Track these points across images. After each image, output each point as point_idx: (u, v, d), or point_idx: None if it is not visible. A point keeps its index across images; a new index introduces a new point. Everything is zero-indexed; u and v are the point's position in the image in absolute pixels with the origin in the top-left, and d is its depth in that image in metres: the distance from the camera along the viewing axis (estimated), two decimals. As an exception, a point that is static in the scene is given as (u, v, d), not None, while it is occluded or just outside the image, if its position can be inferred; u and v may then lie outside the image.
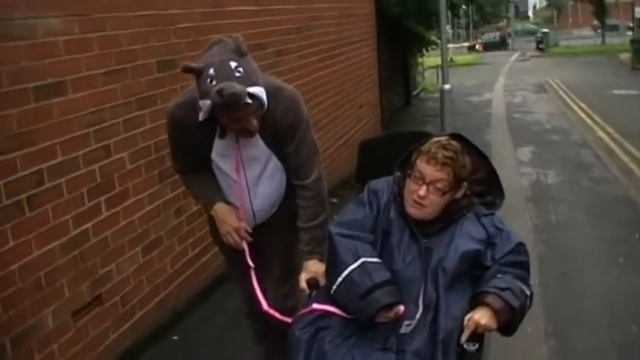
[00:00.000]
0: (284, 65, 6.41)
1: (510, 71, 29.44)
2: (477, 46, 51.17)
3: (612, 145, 10.91)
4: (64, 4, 3.54)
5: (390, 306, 2.43)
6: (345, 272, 2.49)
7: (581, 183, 8.32)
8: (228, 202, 3.01)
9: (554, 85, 21.74)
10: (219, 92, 2.42)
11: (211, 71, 2.50)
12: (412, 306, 2.46)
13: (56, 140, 3.50)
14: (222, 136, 2.76)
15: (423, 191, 2.50)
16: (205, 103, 2.55)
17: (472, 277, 2.54)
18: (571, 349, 4.08)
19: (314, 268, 2.84)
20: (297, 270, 2.96)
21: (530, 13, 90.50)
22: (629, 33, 42.02)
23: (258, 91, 2.58)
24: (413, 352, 2.36)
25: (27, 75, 3.28)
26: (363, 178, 2.97)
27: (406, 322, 2.43)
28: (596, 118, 13.85)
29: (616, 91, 18.51)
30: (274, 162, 2.92)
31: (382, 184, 2.74)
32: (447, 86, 9.68)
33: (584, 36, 53.51)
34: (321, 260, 2.81)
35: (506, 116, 15.14)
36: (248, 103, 2.53)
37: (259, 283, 2.99)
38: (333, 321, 2.54)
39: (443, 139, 2.59)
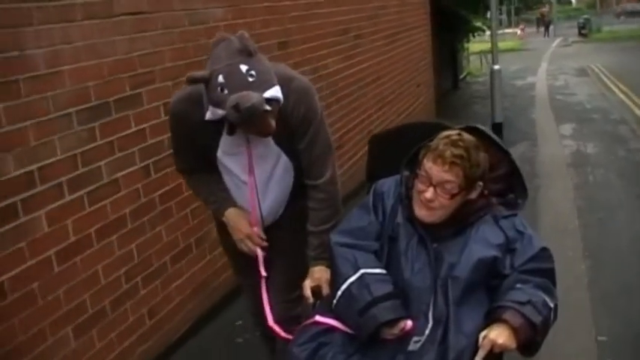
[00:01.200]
0: (361, 47, 7.56)
1: (552, 57, 29.91)
2: (518, 32, 51.44)
3: (647, 121, 11.85)
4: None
5: (394, 322, 2.24)
6: (344, 285, 2.34)
7: (617, 152, 9.33)
8: (237, 206, 2.84)
9: (596, 70, 22.33)
10: (236, 108, 2.25)
11: (220, 79, 2.30)
12: (422, 320, 2.25)
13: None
14: (230, 133, 2.55)
15: (430, 193, 2.28)
16: (217, 112, 2.40)
17: (489, 287, 2.32)
18: (603, 266, 5.22)
19: (319, 275, 2.67)
20: (305, 276, 2.77)
21: None
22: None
23: (275, 92, 2.39)
24: None
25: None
26: (375, 175, 2.75)
27: (415, 339, 2.23)
28: (635, 99, 14.59)
29: (657, 75, 19.24)
30: (284, 161, 2.72)
31: (389, 184, 2.54)
32: (496, 67, 10.65)
33: (629, 21, 53.33)
34: (328, 267, 2.62)
35: (548, 98, 15.95)
36: (267, 110, 2.34)
37: (268, 292, 2.83)
38: (336, 336, 2.36)
39: (454, 133, 2.33)
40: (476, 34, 19.01)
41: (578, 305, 4.41)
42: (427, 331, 2.22)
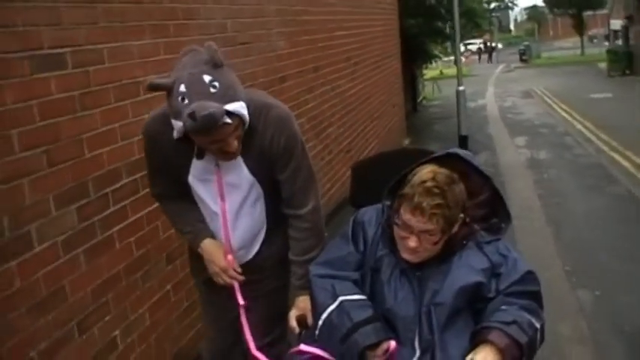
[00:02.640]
0: (357, 72, 9.22)
1: (498, 81, 32.07)
2: (462, 59, 53.51)
3: (589, 134, 13.68)
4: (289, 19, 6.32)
5: (376, 345, 2.20)
6: (324, 315, 2.31)
7: (565, 157, 11.23)
8: (213, 237, 2.71)
9: (539, 92, 24.46)
10: (192, 115, 2.14)
11: (182, 88, 2.22)
12: (409, 349, 2.23)
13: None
14: (199, 157, 2.44)
15: (414, 242, 2.22)
16: (177, 124, 2.29)
17: (474, 311, 2.30)
18: (563, 229, 7.01)
19: (304, 304, 2.59)
20: (284, 315, 2.71)
21: (511, 27, 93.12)
22: (606, 43, 44.72)
23: (239, 107, 2.29)
24: None
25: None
26: (358, 202, 2.73)
27: None
28: (576, 116, 16.64)
29: (594, 95, 21.24)
30: (256, 189, 2.61)
31: (370, 213, 2.49)
32: (461, 87, 12.46)
33: (565, 47, 56.47)
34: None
35: (500, 116, 17.97)
36: (227, 123, 2.24)
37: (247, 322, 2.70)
38: None
39: (428, 178, 2.20)
40: (432, 60, 20.88)
41: (550, 253, 6.13)
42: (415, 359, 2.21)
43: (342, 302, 2.30)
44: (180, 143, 2.39)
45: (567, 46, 57.35)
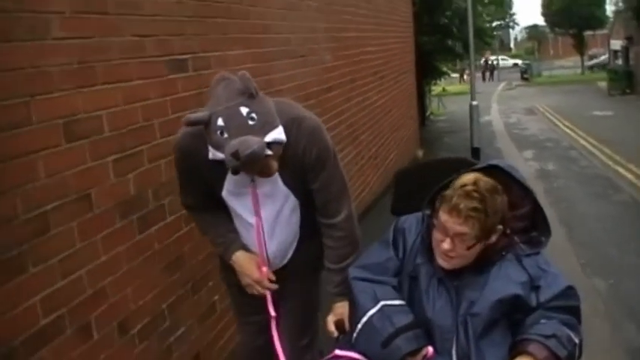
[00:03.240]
0: (382, 85, 9.93)
1: (500, 98, 32.57)
2: (464, 77, 54.23)
3: (592, 148, 14.38)
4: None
5: (415, 352, 2.25)
6: (365, 318, 2.32)
7: (571, 168, 11.95)
8: (245, 248, 2.75)
9: (542, 109, 25.09)
10: (235, 155, 2.18)
11: (220, 122, 2.25)
12: (446, 358, 2.25)
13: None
14: (235, 173, 2.36)
15: (447, 244, 2.24)
16: (217, 154, 2.32)
17: (513, 322, 2.30)
18: (574, 229, 7.70)
19: (341, 310, 2.63)
20: (315, 320, 2.80)
21: (512, 45, 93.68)
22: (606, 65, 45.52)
23: (277, 134, 2.33)
24: None
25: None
26: (400, 210, 2.74)
27: None
28: (579, 132, 17.34)
29: (595, 113, 21.95)
30: (292, 200, 2.64)
31: (411, 221, 2.52)
32: (474, 102, 13.21)
33: (565, 66, 57.33)
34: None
35: (506, 132, 18.65)
36: (268, 155, 2.29)
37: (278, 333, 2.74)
38: None
39: (469, 182, 2.24)
40: (442, 77, 21.66)
41: (565, 249, 6.81)
42: None
43: (383, 306, 2.32)
44: (214, 160, 2.40)
45: (568, 65, 58.14)
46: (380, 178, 9.19)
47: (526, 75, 49.25)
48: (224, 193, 2.60)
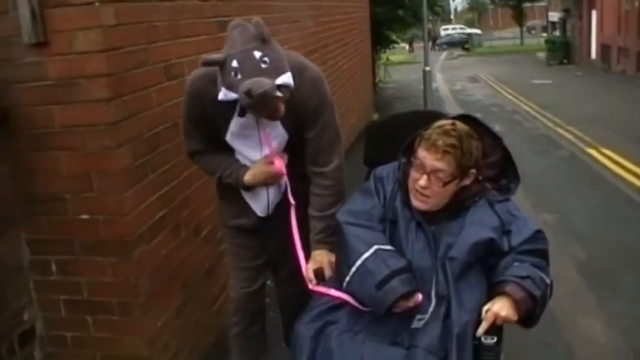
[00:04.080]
0: (346, 52, 10.74)
1: (443, 68, 33.69)
2: (406, 47, 55.03)
3: (534, 113, 15.47)
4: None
5: (409, 294, 2.28)
6: (359, 261, 2.34)
7: (516, 130, 13.00)
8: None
9: (484, 78, 26.29)
10: (248, 93, 2.28)
11: (234, 63, 2.33)
12: (425, 299, 2.31)
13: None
14: (241, 115, 2.55)
15: (423, 181, 2.33)
16: (230, 94, 2.39)
17: (486, 265, 2.39)
18: (525, 181, 8.61)
19: (320, 258, 2.70)
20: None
21: (452, 16, 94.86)
22: (544, 35, 47.06)
23: (287, 78, 2.38)
24: (425, 348, 2.20)
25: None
26: (372, 161, 2.83)
27: (418, 316, 2.28)
28: (521, 98, 18.47)
29: (535, 81, 23.24)
30: (284, 144, 2.77)
31: (388, 170, 2.60)
32: (427, 68, 14.15)
33: (505, 37, 58.78)
34: (330, 250, 2.70)
35: (453, 98, 19.69)
36: (278, 97, 2.35)
37: (298, 228, 2.77)
38: (342, 314, 2.41)
39: (447, 123, 2.37)
40: (392, 46, 22.57)
41: (518, 194, 7.75)
42: (431, 309, 2.28)
43: (377, 250, 2.35)
44: (222, 102, 2.47)
45: (507, 36, 59.60)
46: (344, 138, 9.99)
47: (467, 45, 50.58)
48: (228, 137, 2.72)
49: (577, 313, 4.53)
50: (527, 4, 53.37)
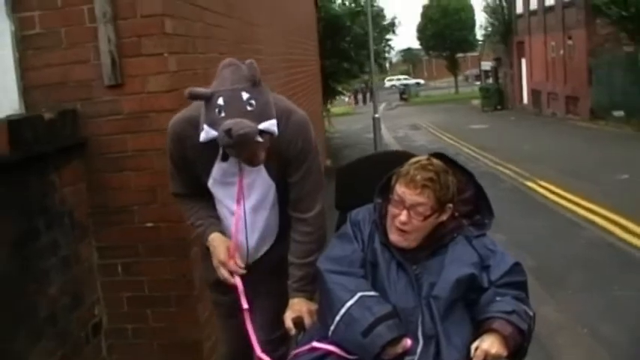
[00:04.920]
0: (307, 101, 11.64)
1: (384, 117, 33.62)
2: (346, 99, 55.80)
3: (475, 154, 16.86)
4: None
5: (396, 340, 2.24)
6: (343, 310, 2.31)
7: (462, 169, 14.09)
8: (224, 234, 2.75)
9: (424, 125, 27.64)
10: (228, 133, 2.24)
11: (220, 101, 2.31)
12: (412, 340, 2.28)
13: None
14: (224, 159, 2.52)
15: (404, 216, 2.33)
16: (210, 132, 2.35)
17: (468, 301, 2.38)
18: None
19: (298, 306, 2.65)
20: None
21: (387, 67, 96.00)
22: (477, 83, 49.19)
23: (271, 125, 2.36)
24: None
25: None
26: (344, 205, 2.81)
27: (408, 358, 2.26)
28: (462, 142, 19.84)
29: (472, 126, 24.69)
30: (273, 193, 2.70)
31: (363, 213, 2.58)
32: (377, 115, 15.22)
33: (440, 87, 60.82)
34: (308, 299, 2.67)
35: (397, 144, 20.88)
36: (259, 141, 2.33)
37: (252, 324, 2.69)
38: None
39: (423, 159, 2.40)
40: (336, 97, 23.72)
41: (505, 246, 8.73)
42: (419, 349, 2.27)
43: (361, 297, 2.32)
44: (205, 146, 2.44)
45: (442, 85, 61.56)
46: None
47: (405, 95, 51.97)
48: (210, 182, 2.68)
49: (534, 304, 5.40)
50: (460, 55, 55.49)
